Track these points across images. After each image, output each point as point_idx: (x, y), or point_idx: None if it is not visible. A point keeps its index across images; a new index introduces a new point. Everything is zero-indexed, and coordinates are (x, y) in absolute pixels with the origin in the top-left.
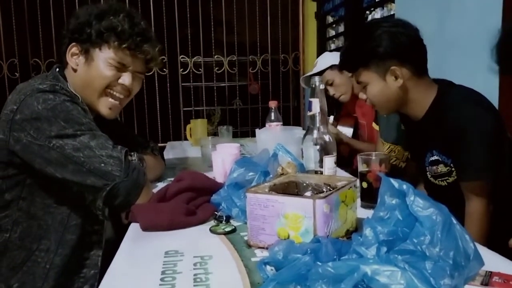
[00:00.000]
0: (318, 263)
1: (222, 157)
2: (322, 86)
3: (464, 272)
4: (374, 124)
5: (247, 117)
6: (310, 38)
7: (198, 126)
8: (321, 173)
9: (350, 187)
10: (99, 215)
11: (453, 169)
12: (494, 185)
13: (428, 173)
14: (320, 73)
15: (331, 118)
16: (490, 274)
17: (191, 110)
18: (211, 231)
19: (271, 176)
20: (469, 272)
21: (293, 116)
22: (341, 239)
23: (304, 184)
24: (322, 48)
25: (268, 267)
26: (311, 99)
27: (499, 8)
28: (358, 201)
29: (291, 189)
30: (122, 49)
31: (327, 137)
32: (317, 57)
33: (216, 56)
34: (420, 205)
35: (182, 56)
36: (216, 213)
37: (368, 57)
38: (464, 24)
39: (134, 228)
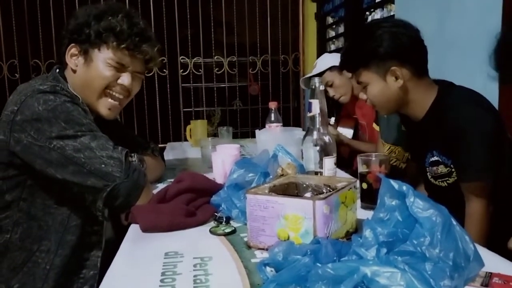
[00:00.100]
0: (318, 264)
1: (222, 158)
2: (322, 87)
3: (464, 273)
4: (374, 125)
5: (247, 118)
6: (310, 38)
7: (198, 127)
8: (321, 174)
9: (350, 188)
10: (99, 216)
11: (453, 169)
12: (494, 186)
13: (428, 173)
14: (320, 75)
15: (332, 119)
16: (490, 275)
17: (191, 111)
18: (211, 232)
19: (271, 177)
20: (469, 273)
21: (293, 117)
22: (341, 240)
23: (304, 185)
24: (322, 49)
25: (268, 268)
26: (311, 100)
27: (498, 9)
28: (358, 202)
29: (291, 190)
30: (121, 49)
31: (327, 138)
32: (317, 58)
33: (216, 57)
34: (420, 206)
35: (182, 57)
36: (216, 214)
37: (368, 57)
38: (464, 24)
39: (134, 229)
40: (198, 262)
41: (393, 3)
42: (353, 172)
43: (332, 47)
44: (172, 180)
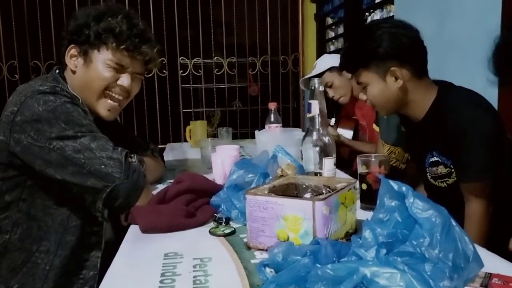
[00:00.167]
0: (318, 265)
1: (222, 159)
2: (321, 88)
3: (463, 274)
4: (374, 126)
5: (247, 118)
6: (310, 39)
7: (197, 127)
8: (321, 174)
9: (350, 189)
10: (99, 216)
11: (453, 170)
12: (494, 186)
13: (428, 174)
14: (320, 75)
15: (333, 120)
16: (489, 276)
17: (190, 112)
18: (211, 233)
19: (270, 177)
20: (468, 273)
21: (292, 117)
22: (340, 241)
23: (304, 186)
24: (321, 50)
25: (268, 269)
26: (310, 101)
27: (498, 10)
28: (358, 203)
29: (290, 191)
30: (120, 51)
31: (326, 139)
32: (317, 59)
33: (215, 58)
34: (420, 207)
35: (181, 57)
36: (215, 215)
37: (368, 58)
38: (464, 25)
39: (133, 230)
40: (198, 263)
41: (393, 4)
42: (353, 173)
43: (332, 47)
44: (172, 181)
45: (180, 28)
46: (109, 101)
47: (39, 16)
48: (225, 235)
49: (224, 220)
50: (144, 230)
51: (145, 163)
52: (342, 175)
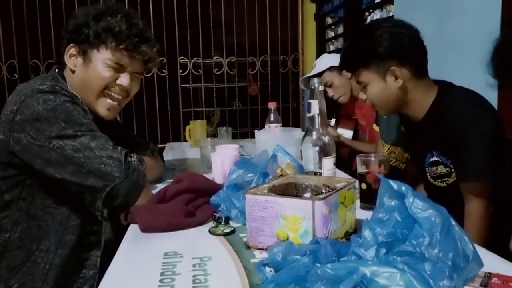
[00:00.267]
0: (317, 264)
1: (221, 158)
2: (321, 88)
3: (463, 273)
4: (374, 126)
5: (247, 118)
6: (309, 39)
7: (197, 127)
8: (320, 174)
9: (349, 189)
10: (98, 215)
11: (452, 170)
12: (494, 186)
13: (427, 174)
14: (319, 75)
15: (333, 121)
16: (489, 275)
17: (190, 111)
18: (210, 232)
19: (270, 177)
20: (468, 273)
21: (292, 117)
22: (340, 241)
23: (303, 186)
24: (321, 49)
25: (267, 269)
26: (310, 101)
27: (498, 9)
28: (357, 202)
29: (290, 190)
30: (119, 50)
31: (326, 139)
32: (316, 59)
33: (215, 57)
34: (419, 206)
35: (181, 57)
36: (215, 214)
37: (368, 57)
38: (463, 25)
39: (133, 229)
40: (197, 262)
41: (392, 3)
42: (353, 173)
43: (331, 47)
44: (171, 180)
45: (180, 27)
46: (109, 100)
47: (39, 15)
48: (225, 235)
49: (223, 219)
50: (144, 230)
51: (145, 162)
52: (341, 174)
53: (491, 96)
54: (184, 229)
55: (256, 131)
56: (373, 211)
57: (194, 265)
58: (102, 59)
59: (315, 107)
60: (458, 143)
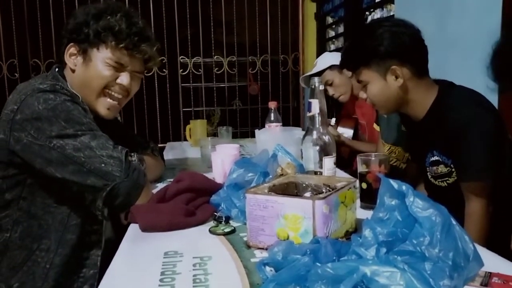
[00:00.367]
0: (318, 264)
1: (222, 158)
2: (321, 87)
3: (463, 273)
4: (375, 125)
5: (247, 117)
6: (310, 38)
7: (197, 126)
8: (321, 173)
9: (350, 188)
10: (99, 215)
11: (453, 169)
12: (494, 185)
13: (428, 173)
14: (320, 73)
15: (333, 120)
16: (489, 275)
17: (190, 111)
18: (211, 232)
19: (270, 176)
20: (468, 273)
21: (292, 116)
22: (340, 240)
23: (304, 185)
24: (321, 49)
25: (268, 268)
26: (310, 100)
27: (498, 9)
28: (358, 202)
29: (290, 189)
30: (119, 49)
31: (326, 138)
32: (317, 58)
33: (215, 57)
34: (420, 206)
35: (181, 56)
36: (215, 213)
37: (369, 56)
38: (464, 24)
39: (133, 229)
40: (198, 262)
41: (393, 3)
42: (353, 172)
43: (332, 47)
44: (172, 179)
45: (180, 27)
46: (109, 99)
47: (39, 14)
48: (225, 234)
49: (224, 219)
50: (144, 229)
51: (145, 162)
52: (342, 174)
53: (492, 99)
54: (185, 229)
55: (256, 131)
56: (374, 210)
57: (194, 265)
58: (102, 58)
59: (316, 106)
60: (459, 142)
